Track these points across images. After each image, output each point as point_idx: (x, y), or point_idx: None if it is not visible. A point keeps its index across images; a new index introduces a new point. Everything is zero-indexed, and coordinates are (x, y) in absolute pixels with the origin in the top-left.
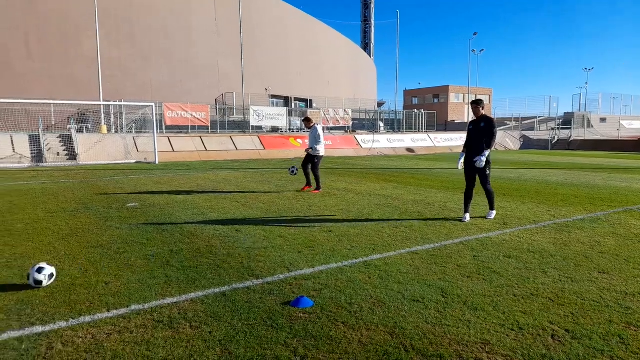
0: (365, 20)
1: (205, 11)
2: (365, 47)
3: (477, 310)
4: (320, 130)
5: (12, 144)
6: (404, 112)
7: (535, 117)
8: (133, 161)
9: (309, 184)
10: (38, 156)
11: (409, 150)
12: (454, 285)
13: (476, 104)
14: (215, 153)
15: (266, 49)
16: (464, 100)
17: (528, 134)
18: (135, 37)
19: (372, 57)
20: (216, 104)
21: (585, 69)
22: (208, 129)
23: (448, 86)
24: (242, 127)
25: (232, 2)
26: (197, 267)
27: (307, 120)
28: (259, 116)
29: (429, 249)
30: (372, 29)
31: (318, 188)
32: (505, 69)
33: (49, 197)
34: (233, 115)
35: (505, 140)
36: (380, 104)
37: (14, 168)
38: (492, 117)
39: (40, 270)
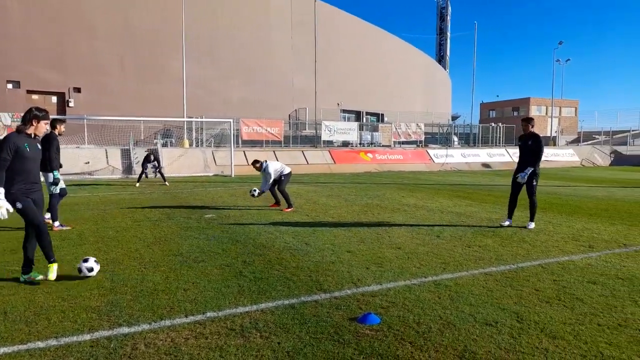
0: (441, 32)
1: (283, 28)
2: (440, 59)
3: (556, 338)
4: (270, 169)
5: (107, 157)
6: (480, 125)
7: (628, 131)
8: (211, 174)
9: (277, 202)
10: (128, 168)
11: (485, 165)
12: (530, 310)
13: (526, 122)
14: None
15: (339, 64)
16: (546, 113)
17: (620, 149)
18: (218, 56)
19: (447, 70)
20: (289, 119)
21: None
22: (281, 143)
23: (529, 98)
24: (314, 141)
25: (308, 19)
26: (268, 278)
27: (255, 163)
28: (330, 131)
29: (504, 271)
30: (448, 41)
31: (289, 206)
32: (592, 79)
33: (137, 207)
34: (305, 130)
35: (594, 155)
36: (454, 118)
37: (107, 179)
38: (539, 134)
39: (85, 260)
